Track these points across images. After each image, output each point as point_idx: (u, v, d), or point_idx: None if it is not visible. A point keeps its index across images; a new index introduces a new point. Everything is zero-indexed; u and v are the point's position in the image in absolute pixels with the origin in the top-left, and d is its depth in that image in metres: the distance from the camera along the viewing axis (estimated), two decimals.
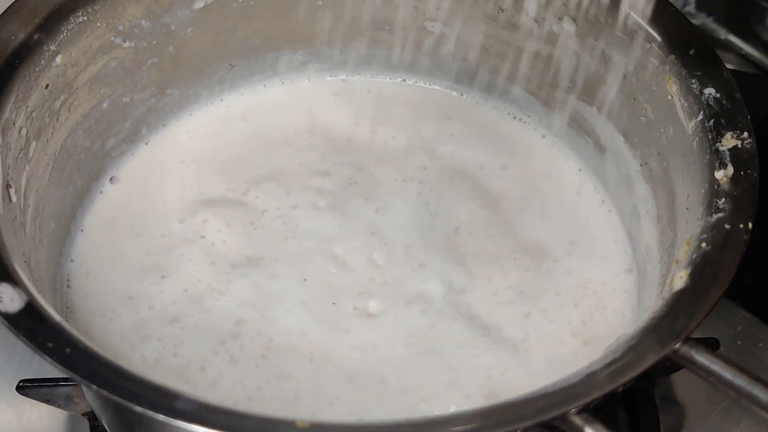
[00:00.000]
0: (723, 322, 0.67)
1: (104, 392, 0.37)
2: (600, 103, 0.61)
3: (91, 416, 0.58)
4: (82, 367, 0.39)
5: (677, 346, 0.39)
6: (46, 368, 0.61)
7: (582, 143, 0.64)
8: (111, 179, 0.63)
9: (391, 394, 0.51)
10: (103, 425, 0.55)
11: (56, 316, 0.42)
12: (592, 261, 0.59)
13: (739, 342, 0.66)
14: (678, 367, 0.59)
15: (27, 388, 0.56)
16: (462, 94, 0.69)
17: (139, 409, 0.36)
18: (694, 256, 0.45)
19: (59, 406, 0.58)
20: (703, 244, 0.45)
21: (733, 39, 0.81)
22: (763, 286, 0.71)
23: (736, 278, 0.70)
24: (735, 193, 0.46)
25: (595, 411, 0.41)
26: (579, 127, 0.64)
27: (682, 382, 0.63)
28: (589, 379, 0.38)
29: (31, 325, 0.41)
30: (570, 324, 0.56)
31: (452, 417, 0.37)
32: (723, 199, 0.46)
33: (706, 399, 0.63)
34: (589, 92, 0.62)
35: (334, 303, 0.56)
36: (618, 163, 0.61)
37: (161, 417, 0.36)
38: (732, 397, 0.39)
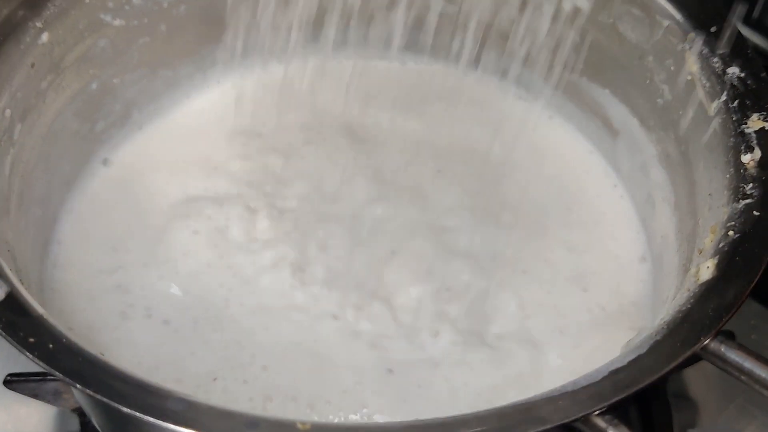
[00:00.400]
0: (737, 315, 0.65)
1: (89, 392, 0.34)
2: (613, 84, 0.59)
3: (81, 412, 0.57)
4: (65, 364, 0.36)
5: (707, 341, 0.37)
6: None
7: (593, 127, 0.63)
8: (104, 161, 0.62)
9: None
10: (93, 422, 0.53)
11: (39, 309, 0.40)
12: (603, 250, 0.58)
13: (753, 336, 0.64)
14: (691, 362, 0.57)
15: (14, 382, 0.55)
16: (467, 75, 0.66)
17: (127, 410, 0.34)
18: (721, 245, 0.43)
19: (48, 401, 0.56)
20: (731, 233, 0.43)
21: (738, 28, 0.80)
22: None
23: None
24: (764, 178, 0.44)
25: (624, 422, 0.38)
26: (590, 109, 0.62)
27: (695, 378, 0.62)
28: (613, 377, 0.36)
29: (12, 318, 0.39)
30: (581, 314, 0.54)
31: (466, 418, 0.35)
32: (751, 185, 0.44)
33: (719, 396, 0.61)
34: (601, 73, 0.60)
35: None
36: (632, 148, 0.59)
37: (150, 419, 0.33)
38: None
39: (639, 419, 0.58)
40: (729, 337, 0.54)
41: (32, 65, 0.53)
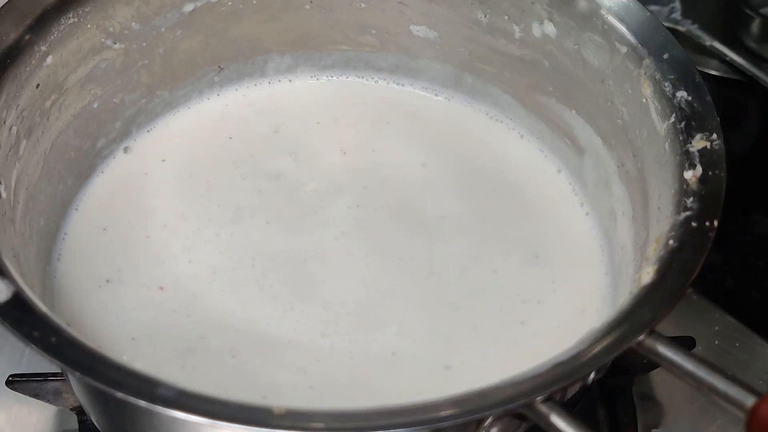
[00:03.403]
0: (701, 322, 0.68)
1: (88, 379, 0.38)
2: (579, 106, 0.62)
3: (80, 411, 0.59)
4: (66, 355, 0.39)
5: (641, 338, 0.41)
6: (34, 364, 0.63)
7: (561, 145, 0.65)
8: (102, 172, 0.64)
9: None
10: (91, 420, 0.55)
11: (43, 307, 0.43)
12: (570, 263, 0.60)
13: (716, 342, 0.67)
14: (656, 365, 0.60)
15: (16, 382, 0.57)
16: (441, 96, 0.70)
17: (120, 395, 0.37)
18: (661, 253, 0.45)
19: (48, 401, 0.58)
20: (671, 242, 0.46)
21: (719, 46, 0.82)
22: (742, 288, 0.72)
23: (716, 282, 0.72)
24: (703, 193, 0.47)
25: (569, 405, 0.42)
26: (558, 129, 0.65)
27: (660, 380, 0.64)
28: (555, 369, 0.39)
29: (18, 315, 0.42)
30: (547, 328, 0.56)
31: (422, 405, 0.38)
32: (691, 198, 0.47)
33: (683, 397, 0.64)
34: (568, 95, 0.63)
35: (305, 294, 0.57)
36: (596, 165, 0.61)
37: (143, 403, 0.37)
38: (694, 387, 0.40)
39: (605, 418, 0.61)
40: (687, 342, 0.58)
41: (37, 86, 0.55)
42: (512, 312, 0.56)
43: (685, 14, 0.85)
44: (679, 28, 0.84)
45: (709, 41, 0.83)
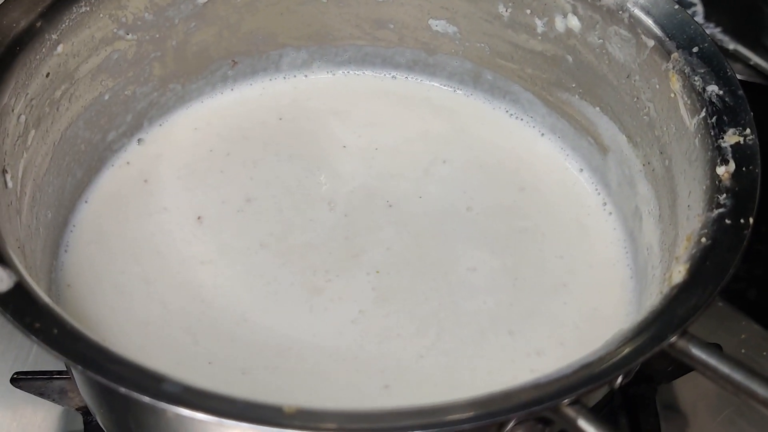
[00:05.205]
0: (726, 330, 0.67)
1: (90, 373, 0.36)
2: (603, 102, 0.61)
3: (85, 411, 0.58)
4: (68, 347, 0.38)
5: (674, 339, 0.39)
6: (40, 363, 0.62)
7: (584, 144, 0.64)
8: (113, 167, 0.63)
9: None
10: (96, 421, 0.54)
11: (45, 298, 0.41)
12: (592, 265, 0.58)
13: (743, 350, 0.66)
14: (680, 373, 0.59)
15: (21, 380, 0.56)
16: (463, 93, 0.69)
17: (123, 390, 0.36)
18: (693, 251, 0.44)
19: (53, 400, 0.58)
20: (703, 239, 0.44)
21: (741, 49, 0.82)
22: (766, 299, 0.71)
23: (741, 291, 0.71)
24: (736, 189, 0.46)
25: (593, 411, 0.40)
26: (581, 127, 0.63)
27: (684, 390, 0.63)
28: (582, 370, 0.38)
29: (19, 305, 0.41)
30: (568, 330, 0.55)
31: (444, 406, 0.36)
32: (724, 195, 0.46)
33: (708, 408, 0.63)
34: (591, 92, 0.61)
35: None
36: (620, 164, 0.60)
37: (147, 399, 0.35)
38: (730, 392, 0.38)
39: (628, 428, 0.59)
40: (716, 347, 0.56)
41: (47, 75, 0.55)
42: (529, 313, 0.55)
43: (708, 17, 0.84)
44: None
45: (732, 45, 0.82)
